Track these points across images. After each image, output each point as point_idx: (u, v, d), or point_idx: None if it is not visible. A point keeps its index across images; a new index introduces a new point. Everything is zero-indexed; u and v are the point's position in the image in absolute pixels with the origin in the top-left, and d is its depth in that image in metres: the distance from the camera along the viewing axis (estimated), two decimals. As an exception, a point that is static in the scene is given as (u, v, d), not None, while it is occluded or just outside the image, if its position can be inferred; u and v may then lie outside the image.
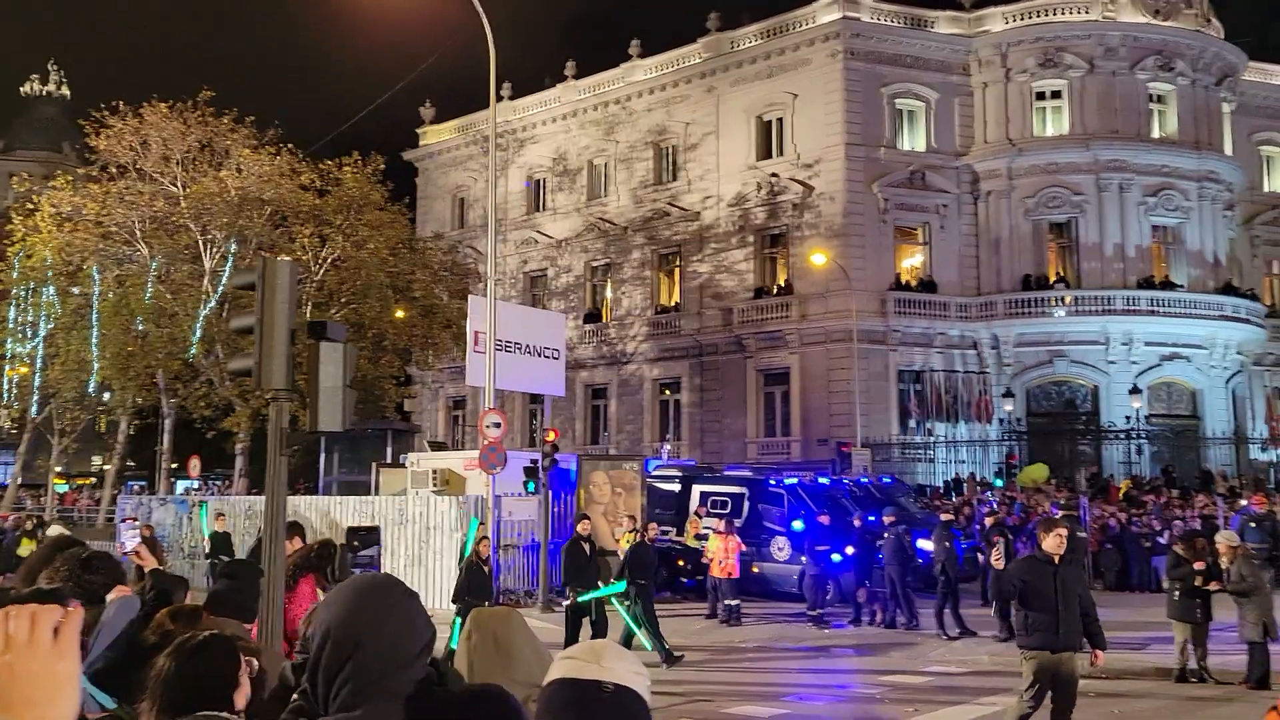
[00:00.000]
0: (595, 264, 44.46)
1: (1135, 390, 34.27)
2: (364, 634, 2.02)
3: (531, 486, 19.47)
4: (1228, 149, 39.51)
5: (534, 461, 19.56)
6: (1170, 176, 37.47)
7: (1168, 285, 37.10)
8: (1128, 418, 34.04)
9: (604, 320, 43.72)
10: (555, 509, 20.81)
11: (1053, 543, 8.17)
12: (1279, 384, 41.13)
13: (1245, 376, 38.78)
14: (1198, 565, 12.38)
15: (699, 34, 41.27)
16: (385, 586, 2.13)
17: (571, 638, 12.40)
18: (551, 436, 20.73)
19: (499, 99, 43.01)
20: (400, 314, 32.36)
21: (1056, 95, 37.83)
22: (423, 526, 19.75)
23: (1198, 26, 38.49)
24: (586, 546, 13.62)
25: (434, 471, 21.68)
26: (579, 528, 14.14)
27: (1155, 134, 37.91)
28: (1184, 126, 38.00)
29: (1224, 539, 12.97)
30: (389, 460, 26.52)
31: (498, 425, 19.15)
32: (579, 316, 43.72)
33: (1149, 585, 20.99)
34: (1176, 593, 12.66)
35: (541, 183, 46.68)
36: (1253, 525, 19.71)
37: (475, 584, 11.62)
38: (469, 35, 45.67)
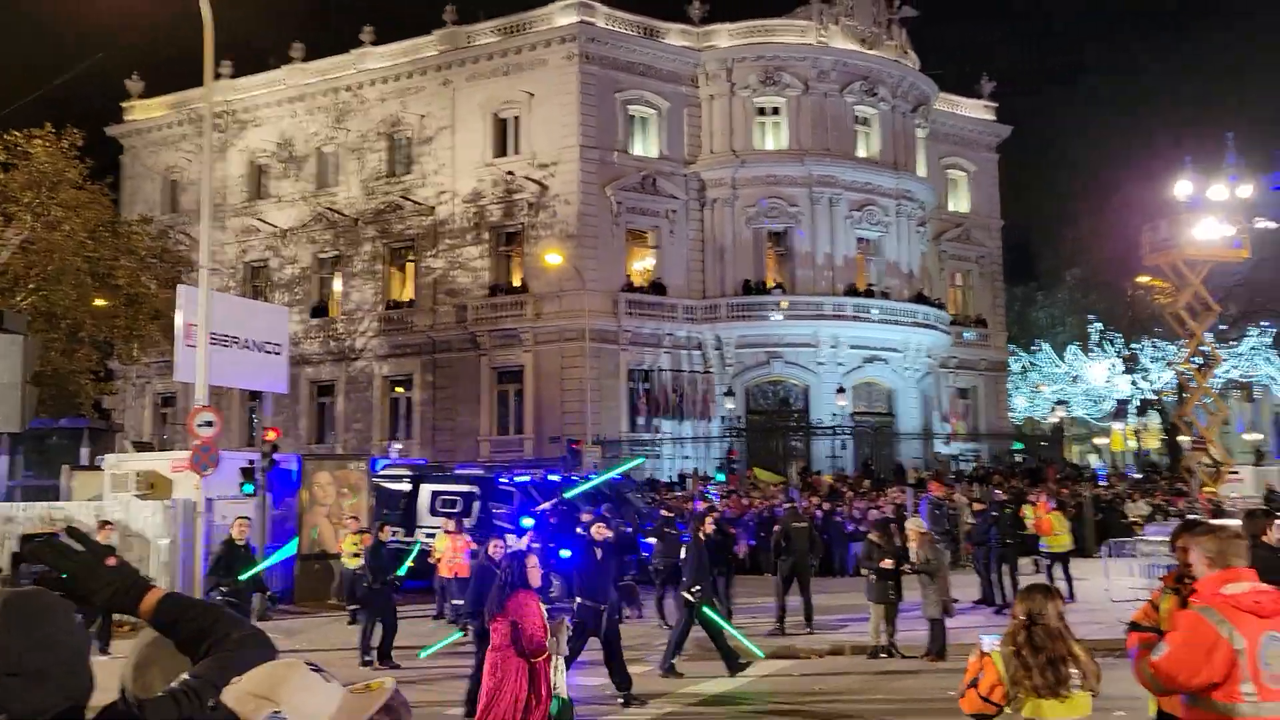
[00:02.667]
0: (323, 256, 42.73)
1: (840, 390, 37.12)
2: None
3: (249, 488, 18.45)
4: (921, 170, 43.57)
5: (251, 462, 18.55)
6: (873, 193, 40.85)
7: (869, 293, 40.43)
8: (834, 415, 36.80)
9: (332, 315, 42.11)
10: (275, 512, 19.86)
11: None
12: (960, 385, 45.92)
13: (933, 378, 42.92)
14: (885, 563, 13.55)
15: (435, 25, 40.62)
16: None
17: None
18: (271, 436, 19.73)
19: (217, 77, 40.38)
20: (100, 303, 29.63)
21: (776, 111, 40.27)
22: (120, 534, 18.19)
23: (897, 57, 42.20)
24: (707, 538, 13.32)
25: (137, 474, 20.04)
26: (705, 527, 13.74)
27: (861, 153, 41.19)
28: (885, 148, 41.54)
29: (913, 525, 14.28)
30: (84, 462, 24.23)
31: (211, 424, 17.95)
32: (305, 310, 41.87)
33: (848, 570, 22.77)
34: (873, 576, 13.82)
35: (264, 168, 44.30)
36: (937, 511, 21.86)
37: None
38: (184, 4, 42.49)
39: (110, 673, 2.34)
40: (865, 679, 12.53)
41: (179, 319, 19.83)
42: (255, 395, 37.45)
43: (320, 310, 42.44)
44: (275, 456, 19.09)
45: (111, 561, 2.23)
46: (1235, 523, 8.57)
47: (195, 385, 18.99)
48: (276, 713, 1.81)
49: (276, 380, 23.02)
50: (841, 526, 23.68)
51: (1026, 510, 18.79)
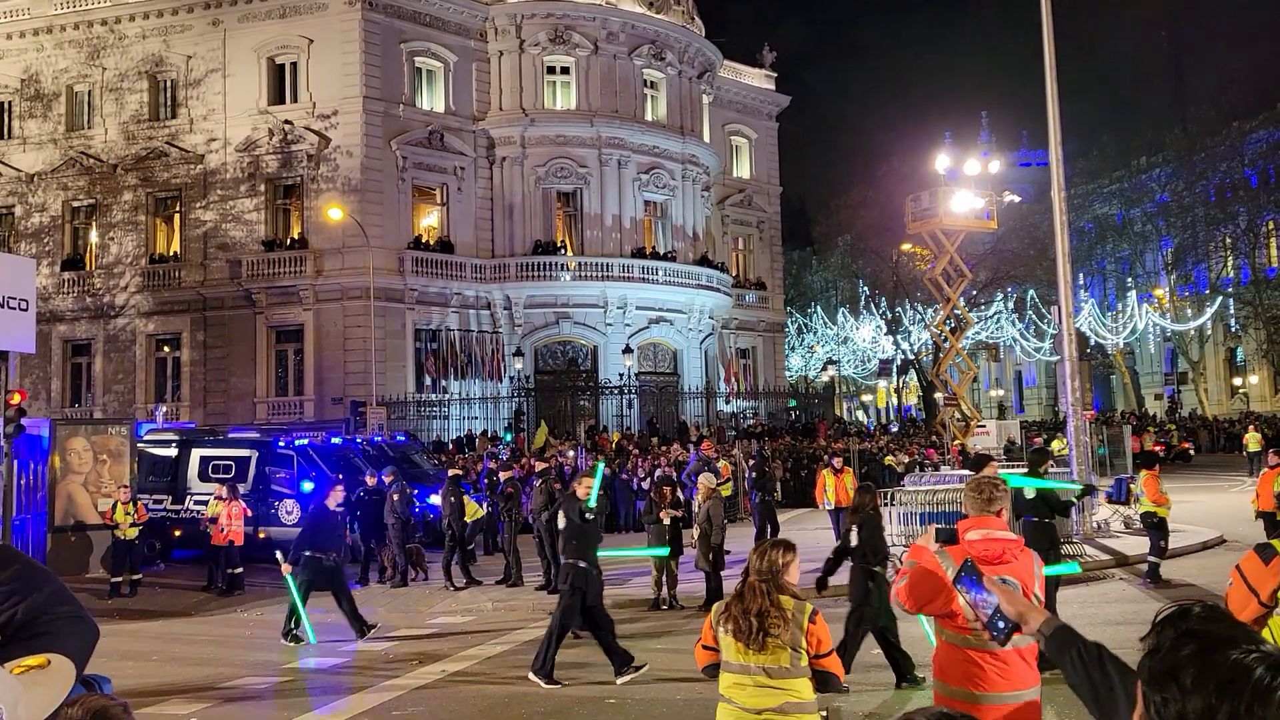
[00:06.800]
0: (77, 204, 39.41)
1: (628, 350, 37.84)
2: None
3: (-9, 458, 16.95)
4: (706, 136, 44.68)
5: (-6, 429, 17.04)
6: (660, 157, 41.59)
7: (656, 255, 41.29)
8: (621, 375, 37.50)
9: (88, 268, 38.99)
10: (23, 481, 18.47)
11: None
12: (741, 345, 47.78)
13: (715, 338, 44.45)
14: (664, 515, 14.08)
15: (203, -40, 37.91)
16: None
17: None
18: (17, 399, 18.17)
19: (-53, 0, 36.30)
20: None
21: (566, 71, 40.18)
22: None
23: (684, 22, 42.95)
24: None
25: None
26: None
27: (649, 117, 41.79)
28: (672, 112, 42.31)
29: (705, 481, 14.82)
30: None
31: (-55, 388, 16.37)
32: (55, 263, 38.60)
33: (633, 526, 23.44)
34: (654, 528, 14.30)
35: (5, 105, 40.26)
36: (706, 469, 22.77)
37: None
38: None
39: None
40: (650, 627, 12.98)
41: (-96, 272, 17.83)
42: (-2, 355, 34.31)
43: (74, 263, 39.21)
44: (22, 421, 17.63)
45: None
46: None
47: (-75, 345, 17.21)
48: None
49: (22, 338, 21.07)
50: (628, 484, 24.28)
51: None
